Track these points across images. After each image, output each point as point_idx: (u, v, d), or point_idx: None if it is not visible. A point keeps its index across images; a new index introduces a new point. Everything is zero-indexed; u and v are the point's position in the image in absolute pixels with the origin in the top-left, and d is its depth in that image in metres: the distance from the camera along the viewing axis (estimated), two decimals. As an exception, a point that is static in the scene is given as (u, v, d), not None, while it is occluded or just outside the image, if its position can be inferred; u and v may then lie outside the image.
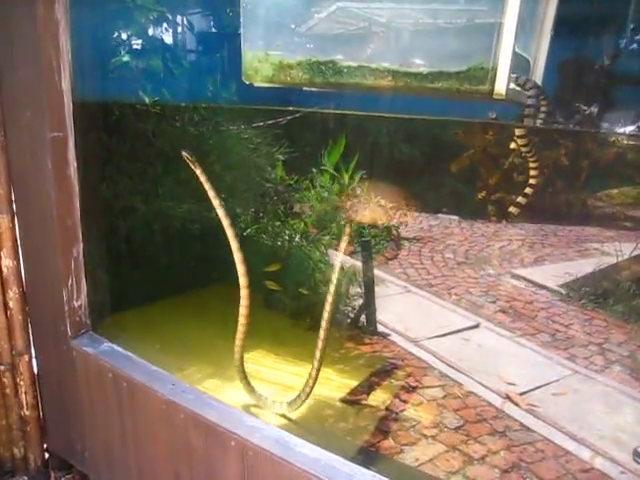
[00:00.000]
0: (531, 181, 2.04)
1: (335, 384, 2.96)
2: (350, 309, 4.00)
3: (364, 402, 2.90)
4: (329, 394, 2.86)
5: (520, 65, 1.50)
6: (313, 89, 1.79)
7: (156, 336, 2.71)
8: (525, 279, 5.02)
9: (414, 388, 3.19)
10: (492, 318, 4.24)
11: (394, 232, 5.89)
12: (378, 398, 3.05)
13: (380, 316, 3.97)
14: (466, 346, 3.75)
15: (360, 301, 3.95)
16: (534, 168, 2.01)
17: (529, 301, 4.57)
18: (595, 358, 3.73)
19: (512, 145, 1.88)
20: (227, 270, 3.32)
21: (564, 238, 6.54)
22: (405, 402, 3.05)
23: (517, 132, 1.80)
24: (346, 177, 6.22)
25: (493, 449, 2.72)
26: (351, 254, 5.11)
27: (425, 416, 2.94)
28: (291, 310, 3.62)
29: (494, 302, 4.53)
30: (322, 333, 2.15)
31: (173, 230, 2.85)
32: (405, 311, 4.21)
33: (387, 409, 2.98)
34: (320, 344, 2.19)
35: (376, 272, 4.96)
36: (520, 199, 2.14)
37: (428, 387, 3.22)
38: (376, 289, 4.56)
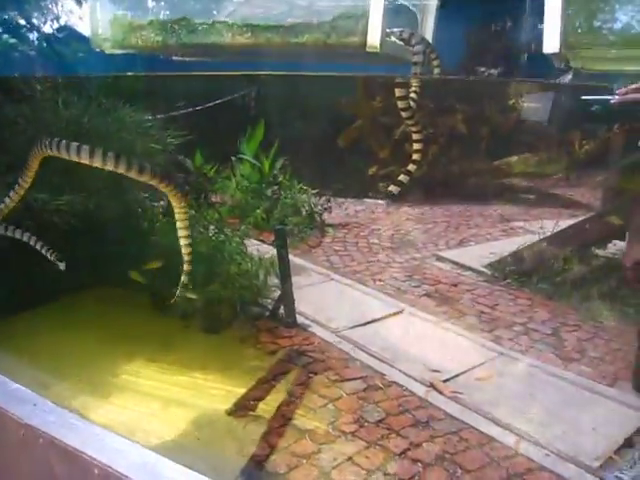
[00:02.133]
0: (414, 156, 1.86)
1: (224, 392, 2.71)
2: (269, 301, 3.79)
3: (272, 402, 2.68)
4: (215, 405, 2.63)
5: (405, 17, 1.31)
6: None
7: (26, 347, 2.41)
8: (450, 261, 4.92)
9: (334, 382, 3.00)
10: (416, 303, 4.11)
11: (317, 219, 5.71)
12: (294, 394, 2.85)
13: (300, 307, 3.77)
14: (389, 334, 3.59)
15: (279, 293, 3.74)
16: (417, 140, 1.83)
17: (454, 283, 4.46)
18: (520, 338, 3.64)
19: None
20: (108, 271, 3.06)
21: (489, 218, 6.50)
22: (324, 397, 2.86)
23: (396, 92, 1.59)
24: (267, 165, 6.01)
25: (415, 442, 2.56)
26: (272, 243, 4.87)
27: (345, 411, 2.76)
28: (184, 311, 3.33)
29: (419, 286, 4.40)
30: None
31: (50, 226, 2.53)
32: (327, 300, 4.03)
33: (304, 406, 2.78)
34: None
35: (299, 261, 4.77)
36: (402, 177, 1.95)
37: (349, 380, 3.04)
38: (298, 278, 4.37)
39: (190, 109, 5.86)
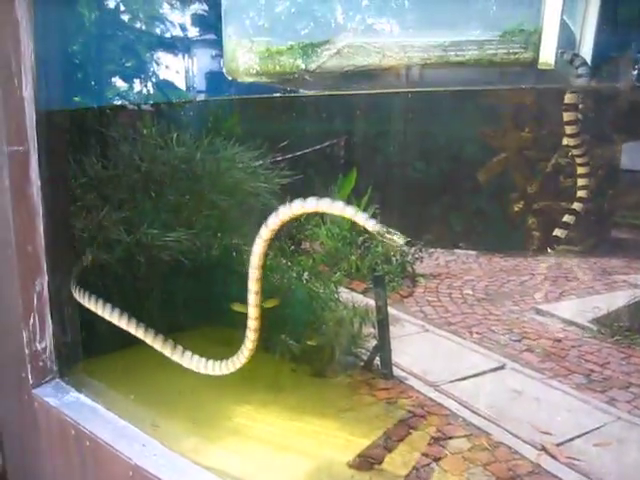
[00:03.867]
0: (579, 193, 1.68)
1: (342, 441, 2.56)
2: (363, 351, 3.65)
3: (379, 462, 2.50)
4: (335, 454, 2.47)
5: (565, 36, 1.20)
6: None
7: (132, 385, 2.36)
8: (552, 315, 4.64)
9: (436, 440, 2.81)
10: (518, 358, 3.86)
11: (409, 269, 5.57)
12: (397, 455, 2.68)
13: (396, 358, 3.60)
14: (492, 390, 3.37)
15: (374, 342, 3.60)
16: (584, 174, 1.65)
17: (558, 339, 4.18)
18: (638, 401, 3.33)
19: (564, 141, 1.54)
20: (215, 311, 3.01)
21: (589, 270, 6.16)
22: (426, 456, 2.67)
23: (565, 116, 1.46)
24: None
25: (531, 511, 2.33)
26: (364, 291, 4.79)
27: (450, 472, 2.56)
28: (292, 354, 3.24)
29: (519, 340, 4.15)
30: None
31: (159, 263, 2.53)
32: (423, 352, 3.85)
33: (409, 467, 2.60)
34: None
35: (391, 311, 4.61)
36: (567, 218, 1.78)
37: (452, 438, 2.84)
38: (391, 329, 4.22)
39: (290, 155, 5.94)
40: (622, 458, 2.74)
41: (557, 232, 1.88)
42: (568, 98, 1.45)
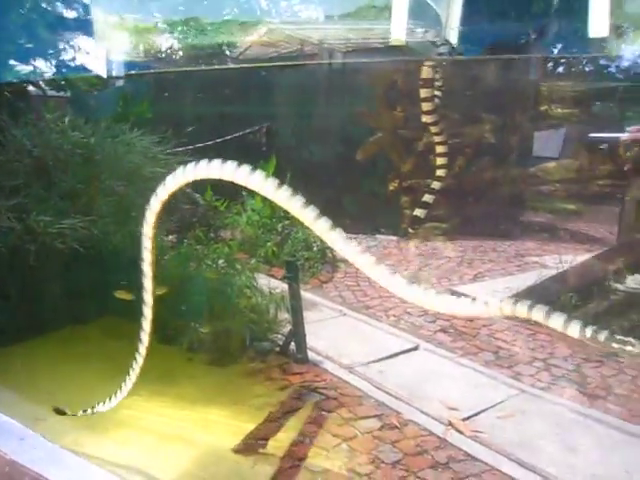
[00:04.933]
0: (438, 172, 1.73)
1: (234, 428, 2.55)
2: (279, 336, 3.66)
3: (263, 446, 2.51)
4: (223, 441, 2.47)
5: (429, 16, 1.23)
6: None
7: (22, 379, 2.28)
8: (465, 296, 4.76)
9: (347, 420, 2.86)
10: (432, 339, 3.96)
11: (329, 254, 5.61)
12: (305, 433, 2.71)
13: (312, 342, 3.64)
14: (404, 370, 3.45)
15: (289, 328, 3.61)
16: (441, 153, 1.70)
17: (470, 319, 4.31)
18: (541, 375, 3.48)
19: (422, 119, 1.58)
20: (113, 301, 2.94)
21: (503, 253, 6.39)
22: (337, 436, 2.71)
23: (421, 93, 1.49)
24: (277, 199, 5.92)
25: (436, 484, 2.40)
26: (284, 278, 4.76)
27: (360, 451, 2.61)
28: (189, 343, 3.21)
29: (433, 322, 4.26)
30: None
31: (54, 252, 2.43)
32: (339, 336, 3.90)
33: (316, 445, 2.63)
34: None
35: (310, 296, 4.65)
36: (426, 197, 1.83)
37: (363, 418, 2.89)
38: (309, 314, 4.25)
39: (205, 143, 5.86)
40: (522, 428, 2.86)
41: (417, 212, 1.94)
42: (424, 73, 1.49)
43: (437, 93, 1.51)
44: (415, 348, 3.75)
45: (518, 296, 4.49)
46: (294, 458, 2.50)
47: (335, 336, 3.89)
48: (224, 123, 6.78)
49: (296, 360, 3.46)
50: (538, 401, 3.16)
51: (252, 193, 5.96)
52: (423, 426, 2.85)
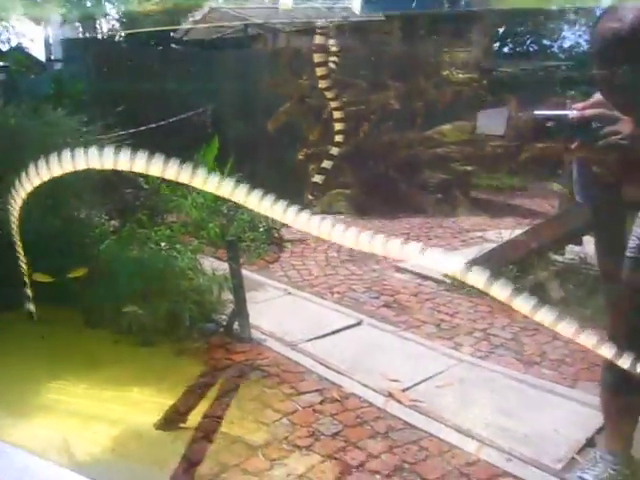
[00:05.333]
0: (337, 137, 1.75)
1: (161, 406, 2.54)
2: (224, 317, 3.66)
3: (184, 421, 2.51)
4: (148, 420, 2.47)
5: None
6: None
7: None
8: (410, 272, 4.85)
9: (288, 395, 2.88)
10: (375, 314, 4.02)
11: (275, 235, 5.62)
12: (245, 409, 2.72)
13: (256, 322, 3.65)
14: (347, 345, 3.49)
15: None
16: (339, 119, 1.71)
17: (414, 293, 4.40)
18: (481, 344, 3.57)
19: (319, 84, 1.58)
20: (38, 287, 2.87)
21: (449, 229, 6.50)
22: (278, 412, 2.73)
23: (315, 58, 1.49)
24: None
25: (374, 453, 2.45)
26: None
27: (300, 425, 2.64)
28: (116, 326, 3.18)
29: (377, 297, 4.32)
30: None
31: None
32: (284, 314, 3.91)
33: (257, 421, 2.65)
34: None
35: (256, 276, 4.66)
36: (325, 164, 1.85)
37: (304, 393, 2.92)
38: (255, 294, 4.27)
39: (146, 126, 5.77)
40: (460, 395, 2.94)
41: (316, 178, 1.95)
42: (317, 39, 1.49)
43: (332, 59, 1.52)
44: (358, 323, 3.80)
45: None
46: (231, 435, 2.51)
47: (279, 315, 3.90)
48: (164, 105, 6.69)
49: (239, 339, 3.47)
50: (476, 369, 3.24)
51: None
52: (364, 398, 2.89)
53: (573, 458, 2.45)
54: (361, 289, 4.48)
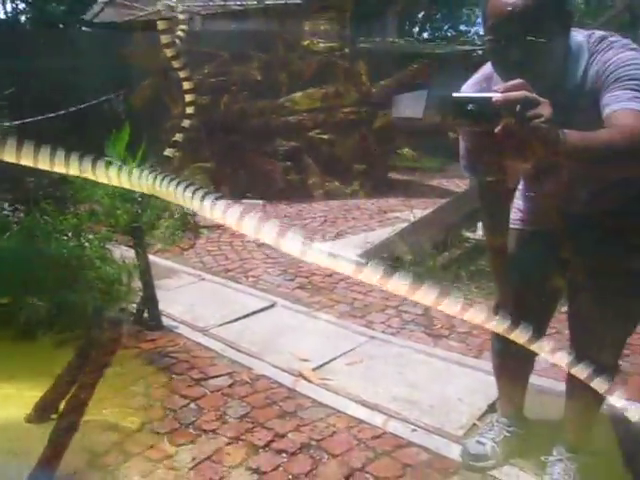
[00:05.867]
0: (187, 109, 1.73)
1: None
2: (134, 306, 3.57)
3: (55, 412, 2.44)
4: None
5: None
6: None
7: None
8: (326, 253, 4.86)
9: (197, 381, 2.85)
10: (290, 296, 4.02)
11: (191, 221, 5.53)
12: (152, 397, 2.67)
13: (168, 309, 3.60)
14: (259, 328, 3.48)
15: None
16: (188, 90, 1.69)
17: (328, 274, 4.41)
18: (392, 321, 3.63)
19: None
20: None
21: (367, 211, 6.57)
22: (185, 397, 2.69)
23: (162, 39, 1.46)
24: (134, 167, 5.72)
25: (281, 432, 2.45)
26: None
27: (207, 409, 2.61)
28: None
29: (292, 280, 4.32)
30: None
31: None
32: (196, 300, 3.86)
33: (164, 408, 2.61)
34: None
35: (170, 264, 4.59)
36: (177, 136, 1.82)
37: (213, 377, 2.89)
38: (169, 281, 4.20)
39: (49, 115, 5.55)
40: (369, 372, 2.98)
41: (167, 152, 1.93)
42: (159, 25, 1.47)
43: (182, 27, 1.49)
44: (272, 306, 3.79)
45: (374, 249, 4.66)
46: (136, 424, 2.47)
47: (192, 301, 3.85)
48: (69, 91, 6.45)
49: (149, 327, 3.40)
50: (387, 345, 3.30)
51: (108, 162, 5.79)
52: (274, 379, 2.89)
53: (474, 424, 2.53)
54: (276, 272, 4.48)
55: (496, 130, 1.21)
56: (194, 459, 2.27)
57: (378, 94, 7.49)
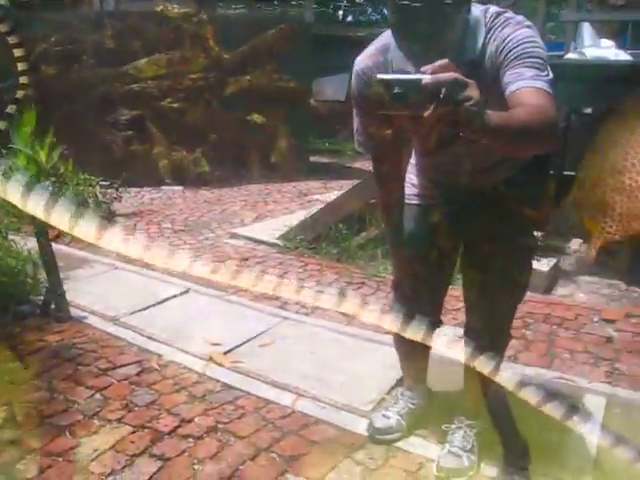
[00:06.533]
0: (21, 79, 1.67)
1: None
2: (41, 298, 3.45)
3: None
4: None
5: None
6: None
7: None
8: (244, 237, 4.85)
9: (104, 371, 2.78)
10: (204, 281, 3.96)
11: (106, 210, 5.39)
12: (55, 390, 2.59)
13: (78, 299, 3.50)
14: (171, 315, 3.42)
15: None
16: (20, 58, 1.63)
17: (245, 258, 4.39)
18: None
19: None
20: None
21: (288, 194, 6.56)
22: (90, 388, 2.62)
23: None
24: (43, 155, 5.52)
25: (187, 418, 2.43)
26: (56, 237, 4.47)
27: (113, 398, 2.56)
28: None
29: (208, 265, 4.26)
30: None
31: None
32: (108, 290, 3.76)
33: (67, 400, 2.53)
34: None
35: (82, 253, 4.46)
36: (9, 108, 1.76)
37: (121, 366, 2.83)
38: (80, 271, 4.09)
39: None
40: (281, 352, 2.98)
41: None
42: None
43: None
44: (186, 292, 3.74)
45: (291, 231, 4.66)
46: (37, 419, 2.39)
47: (104, 290, 3.75)
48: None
49: (57, 319, 3.29)
50: (300, 326, 3.31)
51: (16, 151, 5.54)
52: (184, 365, 2.86)
53: (383, 399, 2.57)
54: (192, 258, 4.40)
55: (426, 114, 1.16)
56: (96, 450, 2.22)
57: (232, 60, 7.22)
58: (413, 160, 2.16)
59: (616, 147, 3.91)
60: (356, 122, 1.97)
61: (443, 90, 1.16)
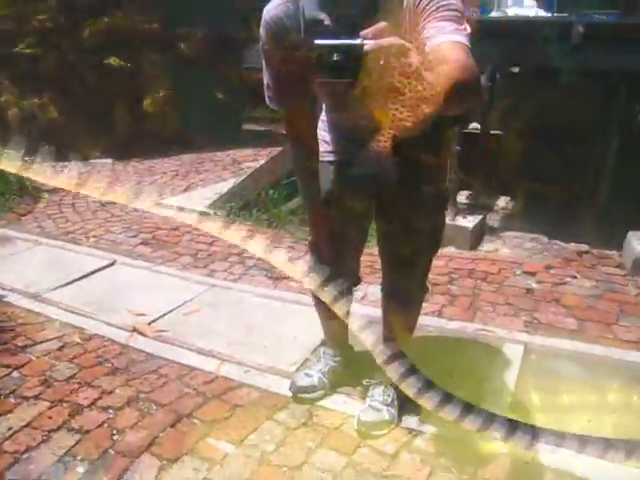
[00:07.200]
0: None
1: None
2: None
3: None
4: None
5: None
6: None
7: None
8: (174, 207, 4.75)
9: (22, 348, 2.71)
10: (131, 252, 3.90)
11: (29, 186, 5.21)
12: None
13: (-2, 278, 3.38)
14: (96, 288, 3.35)
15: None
16: None
17: (174, 228, 4.32)
18: (234, 268, 3.63)
19: None
20: None
21: (221, 162, 6.47)
22: (7, 367, 2.55)
23: None
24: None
25: (108, 389, 2.39)
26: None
27: (31, 375, 2.50)
28: None
29: (135, 236, 4.19)
30: None
31: None
32: (30, 266, 3.66)
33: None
34: None
35: (4, 231, 4.31)
36: None
37: (41, 342, 2.76)
38: (1, 249, 3.95)
39: None
40: (207, 320, 2.96)
41: None
42: None
43: None
44: (112, 264, 3.67)
45: (221, 199, 4.61)
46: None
47: (25, 267, 3.64)
48: None
49: (-29, 300, 3.18)
50: (227, 292, 3.29)
51: None
52: (107, 337, 2.81)
53: (307, 359, 2.59)
54: (119, 230, 4.33)
55: (366, 82, 1.09)
56: (10, 428, 2.17)
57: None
58: (323, 116, 2.11)
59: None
60: (266, 77, 1.88)
61: (384, 57, 1.08)
